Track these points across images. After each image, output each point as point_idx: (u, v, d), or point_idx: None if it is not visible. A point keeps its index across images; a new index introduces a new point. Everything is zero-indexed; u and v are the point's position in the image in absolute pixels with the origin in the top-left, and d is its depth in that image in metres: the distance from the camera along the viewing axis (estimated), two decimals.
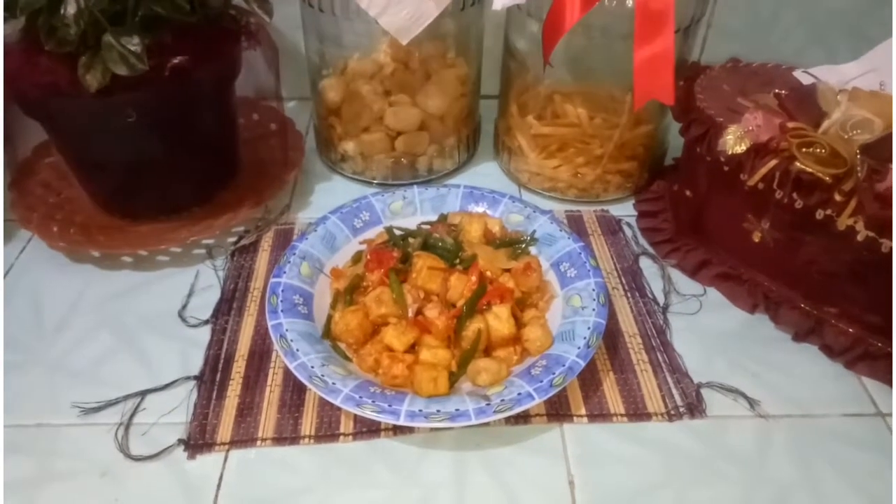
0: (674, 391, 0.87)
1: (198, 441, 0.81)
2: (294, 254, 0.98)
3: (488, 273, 0.90)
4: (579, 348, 0.85)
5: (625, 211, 1.19)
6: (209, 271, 1.07)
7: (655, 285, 1.04)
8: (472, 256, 0.90)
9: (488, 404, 0.78)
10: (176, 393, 0.86)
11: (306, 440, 0.82)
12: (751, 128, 0.86)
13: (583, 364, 0.82)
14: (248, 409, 0.85)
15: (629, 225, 1.16)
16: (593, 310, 0.89)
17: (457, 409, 0.77)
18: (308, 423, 0.84)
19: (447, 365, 0.84)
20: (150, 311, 0.98)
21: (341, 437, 0.82)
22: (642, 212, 1.16)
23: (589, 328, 0.87)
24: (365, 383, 0.82)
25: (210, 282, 1.05)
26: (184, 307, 1.01)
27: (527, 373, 0.83)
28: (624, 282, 1.05)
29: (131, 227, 1.09)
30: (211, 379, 0.90)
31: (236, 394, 0.87)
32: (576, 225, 1.15)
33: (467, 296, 0.85)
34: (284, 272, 0.95)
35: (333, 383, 0.81)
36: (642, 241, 1.12)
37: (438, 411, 0.77)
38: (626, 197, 1.21)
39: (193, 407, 0.85)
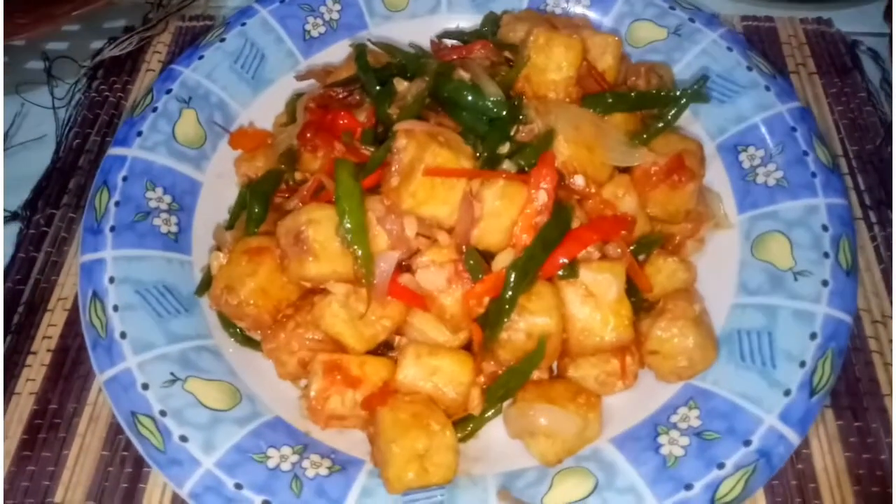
0: None
1: None
2: (168, 91, 0.59)
3: (578, 179, 0.48)
4: (788, 394, 0.44)
5: (867, 24, 0.76)
6: (43, 110, 0.68)
7: None
8: (544, 135, 0.49)
9: None
10: None
11: None
12: None
13: (796, 442, 0.44)
14: (48, 431, 0.52)
15: (875, 55, 0.72)
16: (825, 283, 0.48)
17: None
18: (161, 482, 0.49)
19: (460, 400, 0.45)
20: None
21: None
22: None
23: (814, 336, 0.46)
24: (266, 431, 0.45)
25: (41, 129, 0.68)
26: None
27: (649, 439, 0.44)
28: (862, 187, 0.64)
29: None
30: None
31: (33, 389, 0.54)
32: (762, 50, 0.72)
33: (522, 239, 0.46)
34: (139, 133, 0.56)
35: (183, 437, 0.43)
36: None
37: None
38: None
39: None
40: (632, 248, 0.49)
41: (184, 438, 0.42)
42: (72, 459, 0.50)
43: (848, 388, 0.52)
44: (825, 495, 0.47)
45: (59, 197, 0.64)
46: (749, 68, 0.56)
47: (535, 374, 0.47)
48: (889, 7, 0.73)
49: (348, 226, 0.45)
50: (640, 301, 0.47)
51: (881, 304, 0.55)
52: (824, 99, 0.68)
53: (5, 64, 0.77)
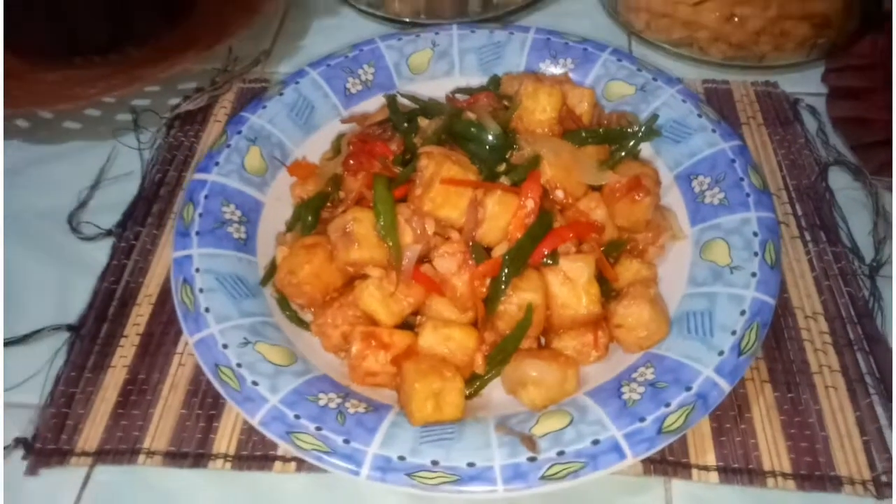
0: (888, 436, 0.58)
1: (47, 445, 0.58)
2: (239, 132, 0.69)
3: (559, 193, 0.60)
4: (722, 354, 0.54)
5: (806, 86, 0.85)
6: (131, 151, 0.80)
7: (857, 223, 0.72)
8: (531, 159, 0.60)
9: (532, 459, 0.49)
10: (36, 351, 0.64)
11: (220, 462, 0.57)
12: None
13: (727, 389, 0.53)
14: (137, 395, 0.61)
15: (813, 110, 0.82)
16: (753, 275, 0.58)
17: (471, 464, 0.49)
18: (227, 434, 0.59)
19: (468, 361, 0.56)
20: (31, 208, 0.74)
21: (278, 464, 0.57)
22: (838, 89, 0.81)
23: (743, 312, 0.56)
24: (316, 382, 0.55)
25: (130, 167, 0.78)
26: (81, 206, 0.75)
27: (614, 390, 0.54)
28: (800, 213, 0.73)
29: (34, 73, 0.81)
30: (93, 332, 0.65)
31: (125, 363, 0.63)
32: (720, 106, 0.82)
33: (515, 236, 0.57)
34: (216, 163, 0.67)
35: (254, 382, 0.53)
36: (835, 139, 0.79)
37: (436, 464, 0.49)
38: (810, 63, 0.87)
39: (55, 380, 0.62)
40: (603, 248, 0.59)
41: (255, 383, 0.52)
42: (156, 416, 0.59)
43: (783, 368, 0.61)
44: (763, 448, 0.56)
45: (145, 218, 0.73)
46: (699, 115, 0.68)
47: (526, 344, 0.56)
48: (826, 72, 0.83)
49: (382, 223, 0.56)
50: (608, 290, 0.58)
51: (812, 304, 0.64)
52: (770, 145, 0.78)
53: (100, 115, 0.83)
